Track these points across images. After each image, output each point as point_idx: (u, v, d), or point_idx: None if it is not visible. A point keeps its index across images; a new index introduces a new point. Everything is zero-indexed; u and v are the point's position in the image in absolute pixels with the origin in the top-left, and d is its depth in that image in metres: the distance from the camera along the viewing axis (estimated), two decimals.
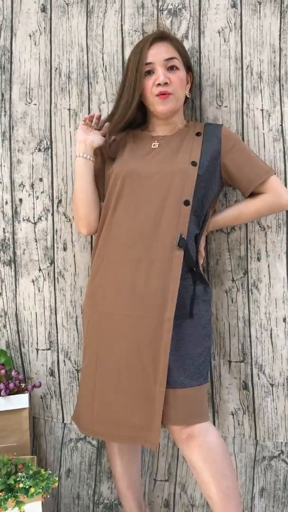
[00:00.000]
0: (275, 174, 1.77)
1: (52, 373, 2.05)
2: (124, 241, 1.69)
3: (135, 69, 1.74)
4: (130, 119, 1.79)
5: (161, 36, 1.77)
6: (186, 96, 1.81)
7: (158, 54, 1.73)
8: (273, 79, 1.87)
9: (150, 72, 1.74)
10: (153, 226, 1.67)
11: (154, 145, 1.78)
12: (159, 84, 1.72)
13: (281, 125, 1.86)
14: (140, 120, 1.87)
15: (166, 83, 1.72)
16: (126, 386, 1.65)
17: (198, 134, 1.77)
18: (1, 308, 2.07)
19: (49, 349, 2.05)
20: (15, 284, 2.06)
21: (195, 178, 1.69)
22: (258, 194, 1.76)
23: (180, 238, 1.65)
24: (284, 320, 1.89)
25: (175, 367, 1.63)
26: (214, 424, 1.95)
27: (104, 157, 1.86)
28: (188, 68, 1.81)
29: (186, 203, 1.67)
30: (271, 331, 1.90)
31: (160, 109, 1.75)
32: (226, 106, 1.90)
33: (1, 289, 2.07)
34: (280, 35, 1.86)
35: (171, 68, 1.74)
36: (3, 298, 2.07)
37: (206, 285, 1.75)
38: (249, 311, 1.92)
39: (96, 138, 1.81)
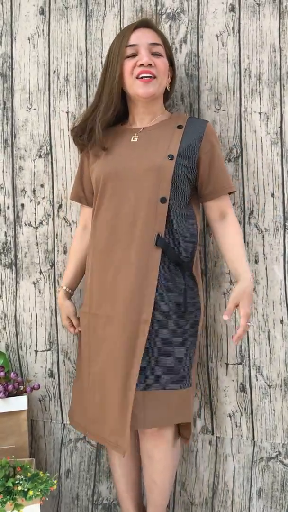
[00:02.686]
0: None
1: (51, 374, 2.07)
2: (106, 243, 1.66)
3: (117, 52, 1.65)
4: (118, 108, 1.72)
5: (147, 22, 1.69)
6: (166, 89, 1.74)
7: (143, 37, 1.65)
8: (274, 79, 1.86)
9: (133, 56, 1.65)
10: (130, 227, 1.63)
11: (133, 138, 1.71)
12: (141, 65, 1.62)
13: (280, 127, 1.86)
14: (122, 114, 1.80)
15: (150, 65, 1.62)
16: (106, 389, 1.65)
17: (179, 127, 1.70)
18: (1, 311, 2.09)
19: (49, 349, 2.07)
20: (16, 286, 2.08)
21: (172, 173, 1.61)
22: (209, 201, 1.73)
23: (158, 238, 1.61)
24: (282, 322, 1.90)
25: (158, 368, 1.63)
26: (212, 425, 1.97)
27: (89, 160, 1.79)
28: (170, 62, 1.75)
29: (163, 200, 1.61)
30: (268, 332, 1.91)
31: (141, 92, 1.64)
32: (224, 110, 1.90)
33: (1, 291, 2.09)
34: (280, 35, 1.86)
35: (155, 55, 1.66)
36: (3, 301, 2.09)
37: (197, 288, 1.73)
38: None
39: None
